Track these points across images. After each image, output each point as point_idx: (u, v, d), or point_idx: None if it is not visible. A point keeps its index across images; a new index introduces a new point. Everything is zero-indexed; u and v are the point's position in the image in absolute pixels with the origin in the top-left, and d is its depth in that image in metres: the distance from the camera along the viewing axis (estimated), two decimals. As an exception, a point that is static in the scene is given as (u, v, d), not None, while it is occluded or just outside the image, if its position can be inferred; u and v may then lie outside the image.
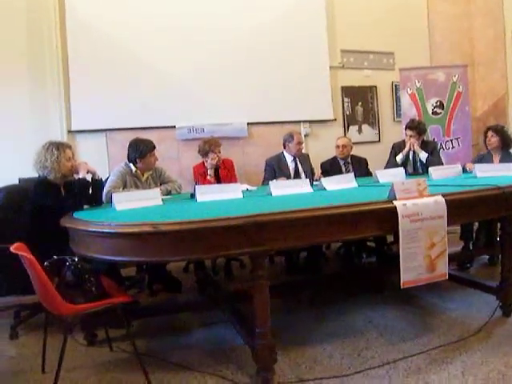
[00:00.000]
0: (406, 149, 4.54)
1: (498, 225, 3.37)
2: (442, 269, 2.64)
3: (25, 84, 4.71)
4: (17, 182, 4.06)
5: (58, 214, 2.80)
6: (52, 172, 3.05)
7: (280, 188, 3.32)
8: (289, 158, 4.56)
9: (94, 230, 2.38)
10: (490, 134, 4.29)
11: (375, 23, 5.89)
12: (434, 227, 2.56)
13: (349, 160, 4.81)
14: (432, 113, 5.77)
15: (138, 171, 3.76)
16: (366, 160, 4.93)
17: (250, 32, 5.39)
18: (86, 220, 2.56)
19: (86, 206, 3.14)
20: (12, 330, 3.13)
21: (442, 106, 5.76)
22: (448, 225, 2.60)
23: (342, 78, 5.96)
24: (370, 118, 6.13)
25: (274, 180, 3.95)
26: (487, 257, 4.36)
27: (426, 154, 4.50)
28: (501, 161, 4.16)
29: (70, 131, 4.87)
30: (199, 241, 2.22)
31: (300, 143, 4.58)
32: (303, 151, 4.75)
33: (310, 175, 4.52)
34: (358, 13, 5.84)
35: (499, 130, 4.27)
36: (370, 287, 3.79)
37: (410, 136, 4.56)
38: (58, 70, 4.81)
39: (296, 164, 4.56)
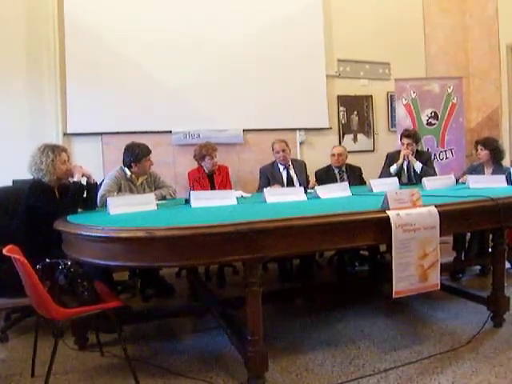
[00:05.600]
0: (400, 161, 4.57)
1: (490, 236, 3.39)
2: (434, 279, 2.65)
3: (21, 86, 4.70)
4: (11, 184, 4.05)
5: (52, 217, 2.79)
6: (47, 175, 3.04)
7: (274, 195, 3.32)
8: (281, 167, 4.56)
9: (87, 234, 2.37)
10: (479, 147, 4.30)
11: (372, 34, 5.95)
12: (427, 237, 2.58)
13: (343, 169, 4.82)
14: (426, 123, 5.82)
15: (133, 175, 3.76)
16: (360, 169, 4.95)
17: (248, 40, 5.42)
18: (80, 224, 2.55)
19: (80, 210, 3.13)
20: (2, 333, 3.10)
21: (436, 116, 5.81)
22: (441, 235, 2.62)
23: (338, 87, 6.00)
24: (366, 127, 6.17)
25: (269, 187, 3.95)
26: (479, 267, 4.38)
27: (421, 165, 4.53)
28: (493, 173, 4.16)
29: (65, 134, 4.85)
30: (193, 247, 2.22)
31: (283, 151, 4.50)
32: (299, 158, 4.75)
33: (305, 183, 4.52)
34: (355, 23, 5.89)
35: (488, 144, 4.26)
36: (362, 296, 3.80)
37: (408, 144, 4.59)
38: (55, 72, 4.79)
39: (288, 172, 4.56)
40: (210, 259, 2.35)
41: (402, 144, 4.66)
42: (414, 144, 4.62)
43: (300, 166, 4.68)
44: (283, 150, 4.53)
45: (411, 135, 4.63)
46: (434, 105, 5.82)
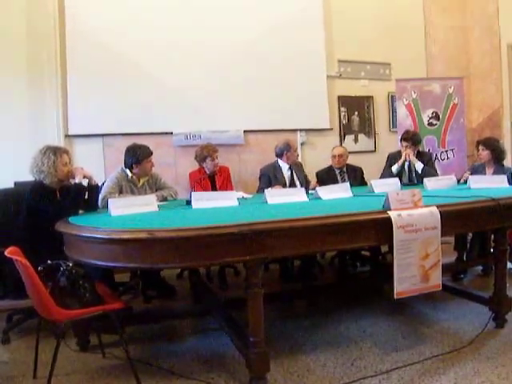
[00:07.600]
0: (402, 159, 4.57)
1: (492, 236, 3.39)
2: (436, 279, 2.65)
3: (23, 88, 4.70)
4: (12, 185, 4.05)
5: (53, 219, 2.80)
6: (48, 176, 3.04)
7: (275, 196, 3.33)
8: (284, 167, 4.55)
9: (88, 235, 2.38)
10: (480, 147, 4.29)
11: (372, 34, 5.93)
12: (429, 238, 2.58)
13: (344, 169, 4.81)
14: (428, 124, 5.81)
15: (134, 177, 3.76)
16: (361, 169, 4.94)
17: (248, 41, 5.41)
18: (81, 225, 2.56)
19: (81, 211, 3.13)
20: (4, 334, 3.11)
21: (437, 117, 5.81)
22: (442, 235, 2.62)
23: (339, 88, 5.99)
24: (366, 127, 6.16)
25: (270, 188, 3.95)
26: (481, 267, 4.38)
27: (422, 165, 4.53)
28: (494, 174, 4.14)
29: (67, 136, 4.85)
30: (195, 248, 2.22)
31: (296, 149, 4.62)
32: (300, 159, 4.75)
33: (304, 184, 4.52)
34: (356, 24, 5.87)
35: (489, 144, 4.25)
36: (364, 297, 3.80)
37: (406, 147, 4.60)
38: (57, 74, 4.79)
39: (292, 173, 4.56)
40: (212, 260, 2.35)
41: (402, 146, 4.67)
42: (413, 146, 4.61)
43: (298, 167, 4.68)
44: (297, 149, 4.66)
45: (408, 138, 4.62)
46: (435, 105, 5.81)
